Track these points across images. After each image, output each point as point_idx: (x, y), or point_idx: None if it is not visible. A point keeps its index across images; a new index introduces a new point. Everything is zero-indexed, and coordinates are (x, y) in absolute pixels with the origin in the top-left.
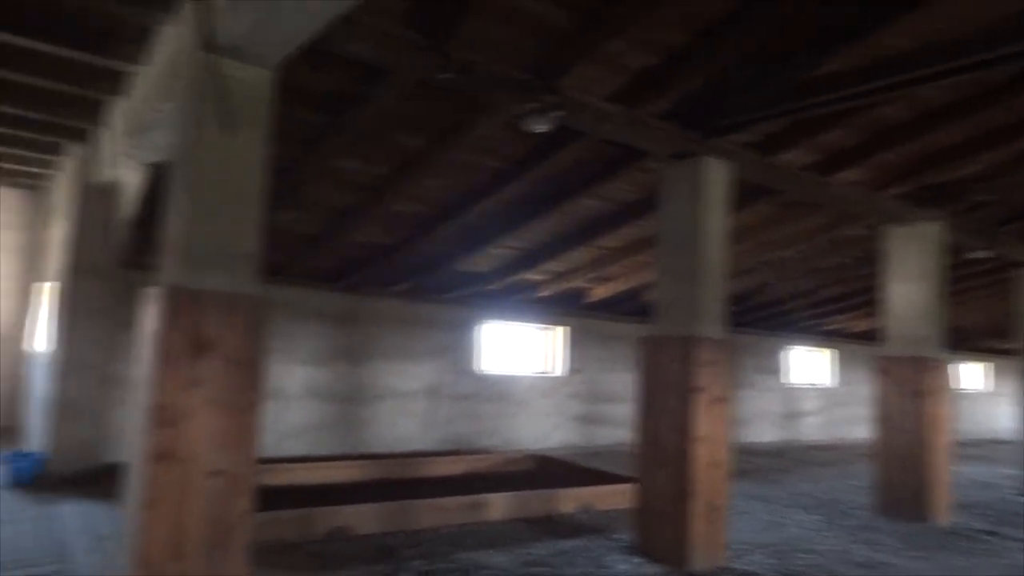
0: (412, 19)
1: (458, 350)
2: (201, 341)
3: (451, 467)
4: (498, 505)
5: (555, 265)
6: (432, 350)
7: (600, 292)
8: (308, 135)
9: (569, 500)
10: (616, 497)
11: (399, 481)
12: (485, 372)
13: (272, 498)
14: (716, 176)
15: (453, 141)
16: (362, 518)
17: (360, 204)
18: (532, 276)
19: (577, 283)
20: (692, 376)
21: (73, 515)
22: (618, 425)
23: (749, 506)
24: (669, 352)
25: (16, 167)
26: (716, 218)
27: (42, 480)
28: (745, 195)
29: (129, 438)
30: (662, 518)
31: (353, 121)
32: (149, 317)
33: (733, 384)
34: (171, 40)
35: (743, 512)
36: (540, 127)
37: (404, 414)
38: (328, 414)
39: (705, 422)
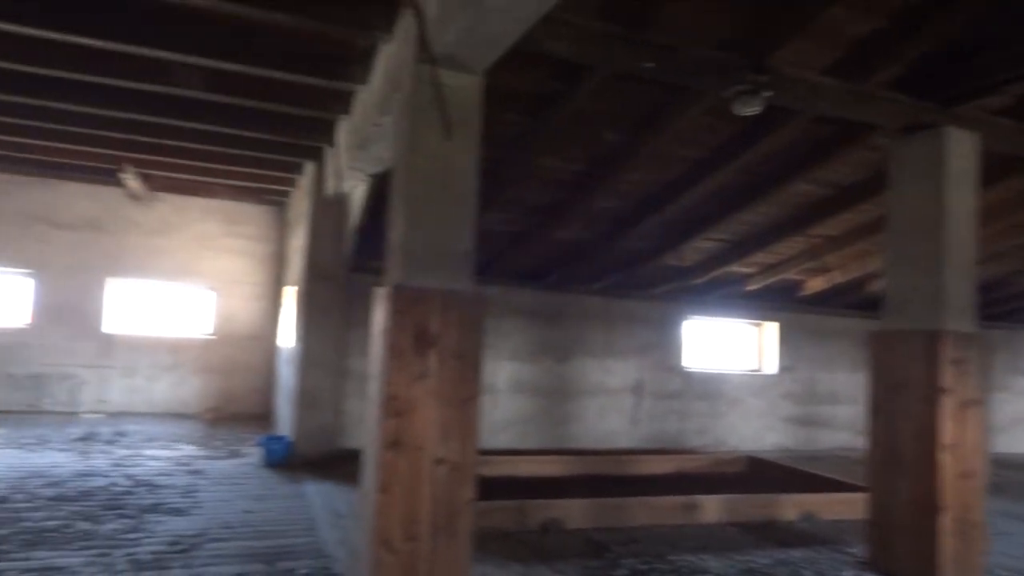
0: (609, 11)
1: (663, 347)
2: (424, 337)
3: (659, 466)
4: (712, 507)
5: (765, 257)
6: (636, 347)
7: (815, 284)
8: (510, 136)
9: (790, 506)
10: (843, 506)
11: (607, 478)
12: (691, 369)
13: (486, 488)
14: (961, 148)
15: (652, 133)
16: (574, 513)
17: (561, 201)
18: (740, 269)
19: (789, 275)
20: (937, 376)
21: (316, 494)
22: (838, 428)
23: (1009, 526)
24: (908, 349)
25: (264, 186)
26: (963, 196)
27: (290, 461)
28: (995, 169)
29: (364, 427)
30: (903, 533)
31: (552, 119)
32: (378, 315)
33: (984, 386)
34: (389, 58)
35: (1002, 533)
36: (750, 109)
37: (609, 411)
38: (534, 409)
39: (953, 428)
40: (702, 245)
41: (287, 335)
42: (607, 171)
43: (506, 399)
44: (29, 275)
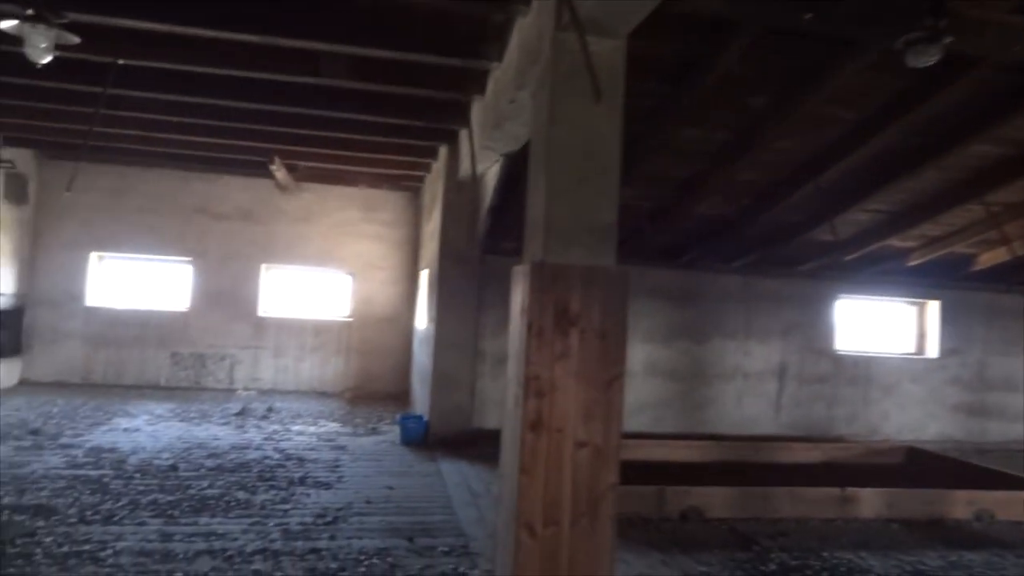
0: None
1: (809, 328)
2: (566, 315)
3: (806, 454)
4: (869, 501)
5: (929, 228)
6: (779, 328)
7: (990, 258)
8: (647, 108)
9: (961, 504)
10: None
11: (747, 465)
12: (842, 352)
13: (622, 472)
14: None
15: (805, 95)
16: (716, 501)
17: (700, 174)
18: (899, 243)
19: (958, 248)
20: None
21: (451, 472)
22: (1012, 419)
23: None
24: None
25: (400, 172)
26: None
27: (426, 440)
28: None
29: (503, 407)
30: None
31: (694, 86)
32: (517, 294)
33: None
34: (524, 31)
35: None
36: (925, 60)
37: (749, 395)
38: (669, 392)
39: None
40: (857, 217)
41: (422, 317)
42: (752, 140)
43: (640, 382)
44: (190, 262)
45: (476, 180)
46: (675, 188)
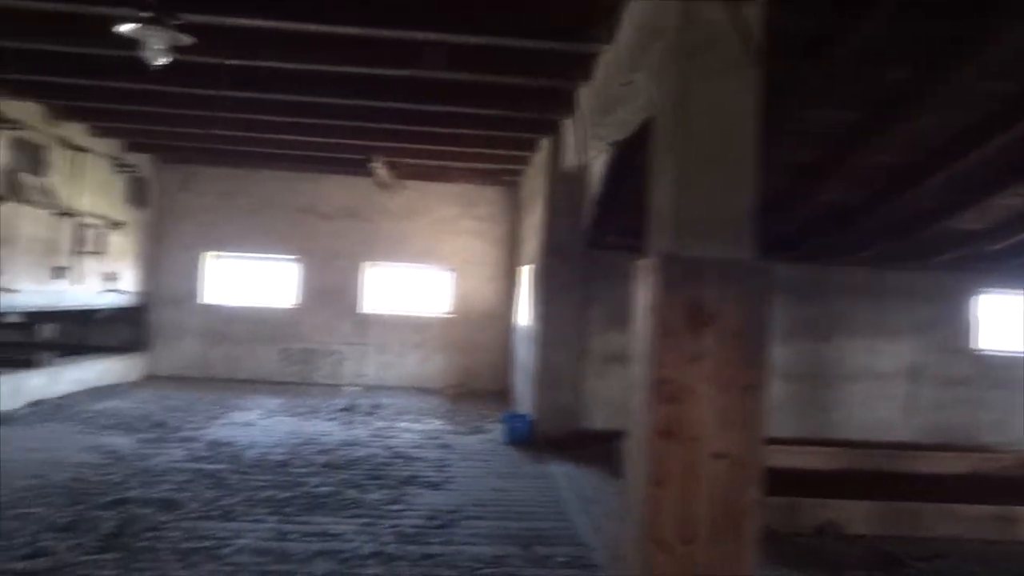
0: None
1: (947, 325)
2: (699, 313)
3: (948, 464)
4: None
5: None
6: (912, 325)
7: None
8: (770, 87)
9: None
10: None
11: (881, 475)
12: (985, 352)
13: None
14: None
15: (953, 66)
16: (856, 515)
17: (825, 158)
18: None
19: None
20: None
21: (561, 475)
22: None
23: None
24: None
25: (498, 166)
26: None
27: (532, 440)
28: None
29: (628, 412)
30: None
31: (824, 61)
32: (643, 290)
33: None
34: (640, 8)
35: None
36: None
37: (879, 398)
38: (788, 394)
39: None
40: (1006, 202)
41: (523, 314)
42: (887, 118)
43: None
44: (297, 261)
45: (581, 171)
46: (796, 174)
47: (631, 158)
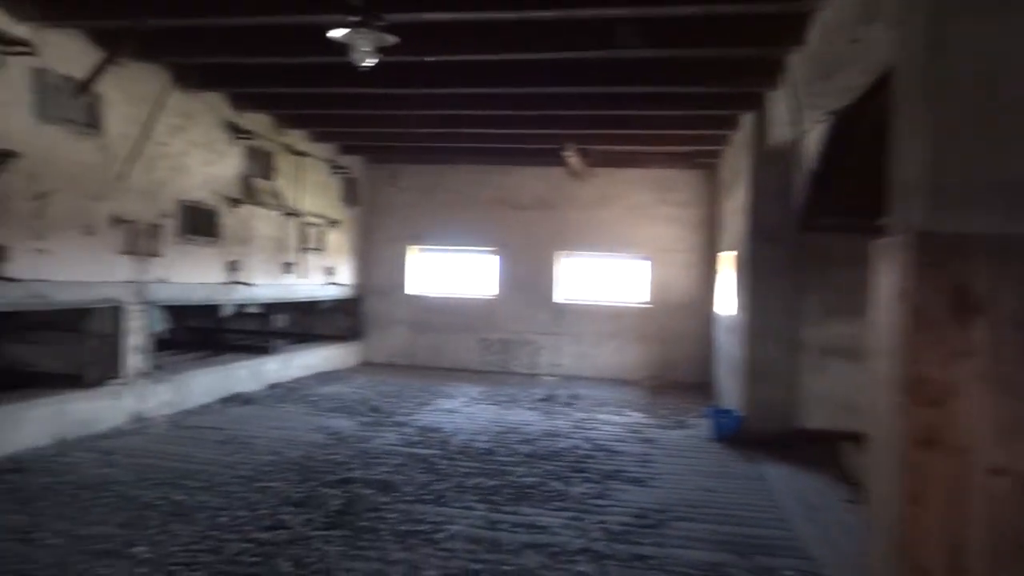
0: None
1: None
2: (966, 300)
3: None
4: None
5: None
6: None
7: None
8: None
9: None
10: None
11: None
12: None
13: None
14: None
15: None
16: None
17: None
18: None
19: None
20: None
21: (777, 478)
22: None
23: None
24: None
25: (694, 148)
26: None
27: (740, 437)
28: None
29: (871, 414)
30: None
31: None
32: (888, 272)
33: None
34: None
35: None
36: None
37: None
38: None
39: None
40: None
41: (726, 303)
42: None
43: None
44: (495, 252)
45: (792, 147)
46: None
47: (855, 127)
